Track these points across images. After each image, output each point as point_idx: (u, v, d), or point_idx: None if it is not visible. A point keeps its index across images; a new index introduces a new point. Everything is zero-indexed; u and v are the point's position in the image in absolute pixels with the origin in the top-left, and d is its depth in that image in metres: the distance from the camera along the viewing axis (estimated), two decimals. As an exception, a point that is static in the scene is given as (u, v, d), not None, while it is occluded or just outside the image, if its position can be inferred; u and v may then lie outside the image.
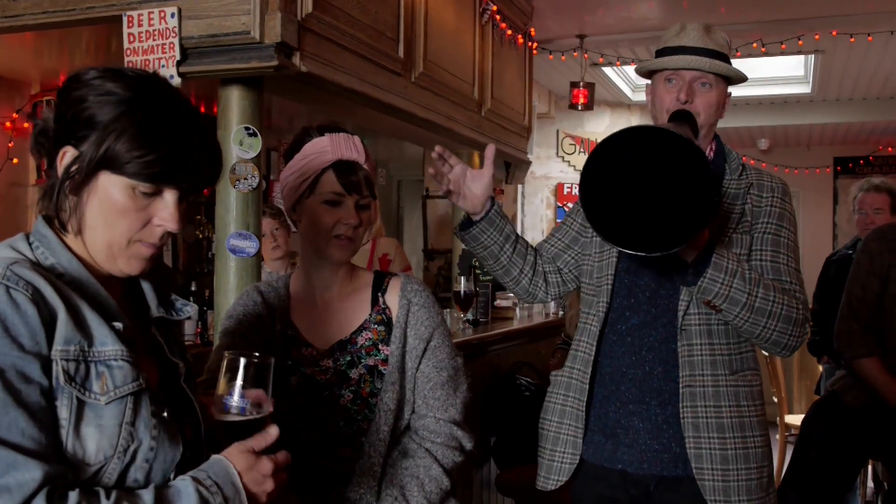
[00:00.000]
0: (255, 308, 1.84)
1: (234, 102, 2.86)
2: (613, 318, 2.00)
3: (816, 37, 5.75)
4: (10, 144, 5.09)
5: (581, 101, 6.22)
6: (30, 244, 1.18)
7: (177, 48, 2.79)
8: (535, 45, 5.54)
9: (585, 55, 6.05)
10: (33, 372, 1.06)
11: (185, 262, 6.06)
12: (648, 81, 2.06)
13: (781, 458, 4.79)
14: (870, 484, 4.34)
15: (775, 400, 5.16)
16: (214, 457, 1.20)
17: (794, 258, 1.97)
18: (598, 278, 2.04)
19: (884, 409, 3.08)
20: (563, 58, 6.15)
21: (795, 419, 4.95)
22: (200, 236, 6.04)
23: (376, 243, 4.37)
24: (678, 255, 1.80)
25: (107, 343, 1.13)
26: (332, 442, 1.74)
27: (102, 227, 1.17)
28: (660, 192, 1.65)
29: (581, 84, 6.20)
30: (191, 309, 1.35)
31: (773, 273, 1.93)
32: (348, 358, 1.78)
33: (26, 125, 5.15)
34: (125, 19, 2.86)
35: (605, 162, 1.69)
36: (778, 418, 5.10)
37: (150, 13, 2.82)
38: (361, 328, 1.81)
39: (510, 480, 3.34)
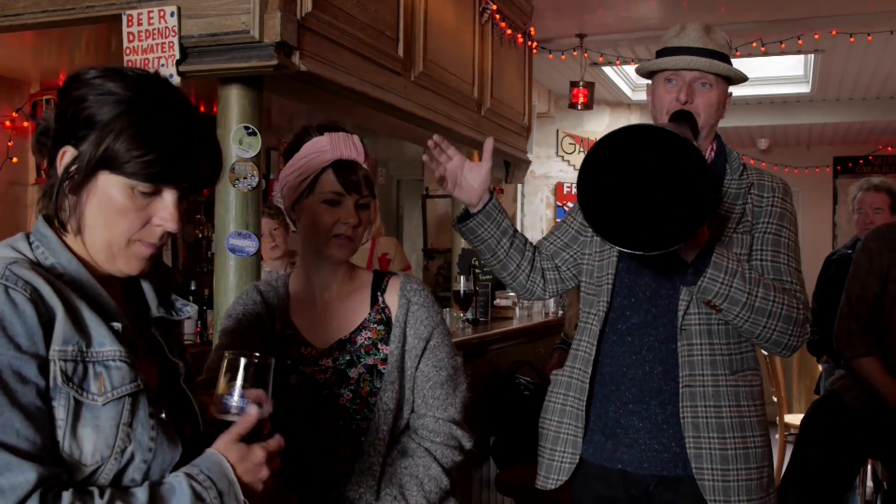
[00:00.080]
0: (254, 307, 1.84)
1: (234, 101, 2.86)
2: (614, 318, 2.00)
3: (816, 36, 5.75)
4: (9, 143, 5.09)
5: (581, 100, 6.22)
6: (30, 244, 1.18)
7: (176, 47, 2.79)
8: (534, 44, 5.54)
9: (585, 55, 6.05)
10: (30, 372, 1.06)
11: (185, 261, 6.05)
12: (649, 81, 2.06)
13: (781, 458, 4.79)
14: (869, 483, 4.34)
15: (775, 399, 5.17)
16: (207, 451, 1.19)
17: (795, 258, 1.97)
18: (598, 278, 2.04)
19: (883, 409, 3.08)
20: (562, 57, 6.15)
21: (795, 419, 4.96)
22: (200, 235, 6.04)
23: (376, 243, 4.37)
24: (678, 254, 1.80)
25: (105, 343, 1.13)
26: (332, 441, 1.74)
27: (102, 227, 1.17)
28: (658, 190, 1.65)
29: (581, 83, 6.20)
30: (191, 309, 1.35)
31: (773, 273, 1.93)
32: (348, 357, 1.78)
33: (26, 124, 5.15)
34: (125, 18, 2.86)
35: (603, 160, 1.69)
36: (777, 418, 5.10)
37: (149, 12, 2.82)
38: (361, 327, 1.81)
39: (509, 480, 3.34)
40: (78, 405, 1.09)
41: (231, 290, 2.84)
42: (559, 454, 2.03)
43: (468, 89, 4.45)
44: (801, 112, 8.22)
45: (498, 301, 4.68)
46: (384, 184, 8.23)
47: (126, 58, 2.85)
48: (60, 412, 1.08)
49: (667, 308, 1.95)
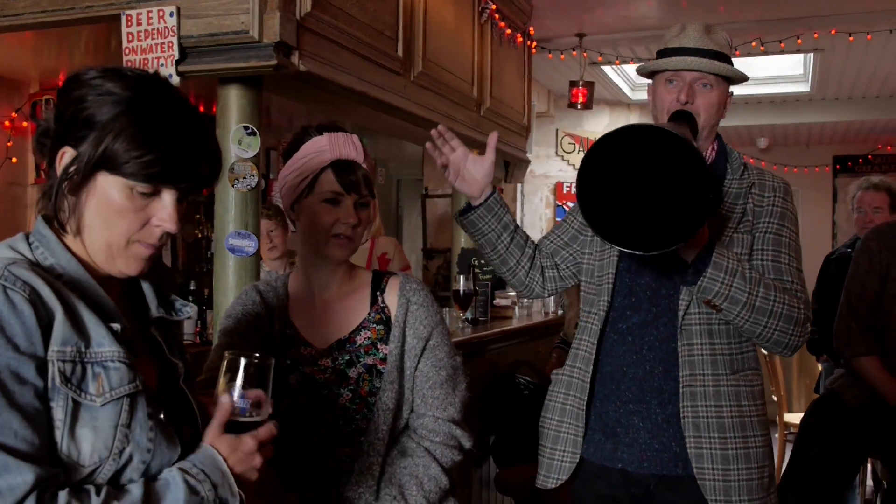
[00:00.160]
0: (253, 307, 1.84)
1: (233, 101, 2.86)
2: (614, 317, 2.00)
3: (815, 35, 5.75)
4: (9, 143, 5.09)
5: (580, 100, 6.22)
6: (29, 244, 1.18)
7: (176, 47, 2.79)
8: (534, 43, 5.54)
9: (584, 54, 6.05)
10: (28, 373, 1.06)
11: (185, 261, 6.06)
12: (650, 81, 2.06)
13: (781, 457, 4.79)
14: (869, 482, 4.34)
15: (774, 398, 5.17)
16: (199, 446, 1.20)
17: (796, 258, 1.97)
18: (598, 277, 2.04)
19: (883, 408, 3.08)
20: (562, 57, 6.15)
21: (795, 418, 4.96)
22: (199, 235, 6.04)
23: (375, 242, 4.37)
24: (678, 254, 1.80)
25: (104, 344, 1.13)
26: (331, 441, 1.74)
27: (101, 228, 1.17)
28: (657, 190, 1.65)
29: (580, 83, 6.20)
30: (190, 309, 1.35)
31: (774, 273, 1.93)
32: (347, 357, 1.78)
33: (25, 124, 5.16)
34: (124, 18, 2.86)
35: (602, 159, 1.69)
36: (777, 417, 5.10)
37: (148, 12, 2.82)
38: (360, 327, 1.81)
39: (509, 479, 3.34)
40: (76, 406, 1.09)
41: (230, 290, 2.84)
42: (559, 453, 2.03)
43: (467, 89, 4.45)
44: (800, 111, 8.22)
45: (497, 301, 4.67)
46: (383, 183, 8.23)
47: (125, 58, 2.85)
48: (59, 413, 1.08)
49: (667, 307, 1.95)
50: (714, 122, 1.99)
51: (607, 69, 7.06)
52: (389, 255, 4.37)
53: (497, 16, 4.74)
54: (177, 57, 2.79)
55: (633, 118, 8.19)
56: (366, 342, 1.79)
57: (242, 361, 1.24)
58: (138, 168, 1.13)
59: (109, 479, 1.11)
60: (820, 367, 4.86)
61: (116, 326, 1.15)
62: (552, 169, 8.24)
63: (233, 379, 1.24)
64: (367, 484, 1.70)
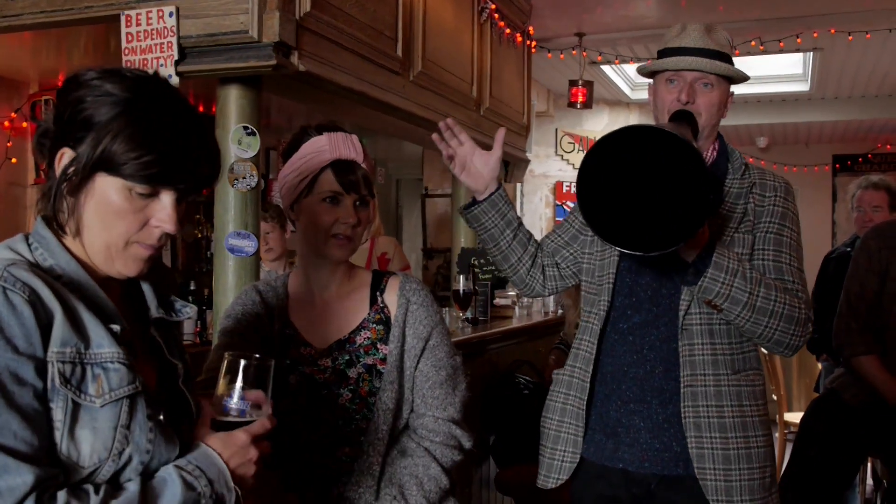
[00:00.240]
0: (253, 307, 1.84)
1: (233, 101, 2.86)
2: (615, 317, 2.00)
3: (815, 35, 5.76)
4: (8, 144, 5.09)
5: (580, 99, 6.22)
6: (29, 245, 1.18)
7: (175, 47, 2.78)
8: (533, 43, 5.54)
9: (584, 53, 6.05)
10: (27, 374, 1.06)
11: (184, 261, 6.06)
12: (650, 81, 2.07)
13: (781, 456, 4.79)
14: (869, 481, 4.34)
15: (774, 398, 5.17)
16: (195, 445, 1.21)
17: (797, 258, 1.97)
18: (599, 277, 2.04)
19: (882, 407, 3.08)
20: (561, 56, 6.15)
21: (794, 417, 4.96)
22: (199, 235, 6.04)
23: (375, 242, 4.37)
24: (679, 254, 1.80)
25: (103, 345, 1.13)
26: (331, 441, 1.74)
27: (100, 229, 1.17)
28: (657, 191, 1.65)
29: (580, 82, 6.20)
30: (190, 310, 1.35)
31: (775, 273, 1.93)
32: (347, 357, 1.78)
33: (24, 125, 5.16)
34: (123, 19, 2.86)
35: (602, 160, 1.69)
36: (777, 416, 5.10)
37: (148, 12, 2.81)
38: (360, 327, 1.81)
39: (509, 479, 3.34)
40: (76, 407, 1.09)
41: (230, 290, 2.84)
42: (560, 453, 2.03)
43: (467, 89, 4.45)
44: (800, 110, 8.22)
45: (497, 300, 4.67)
46: (383, 183, 8.24)
47: (125, 58, 2.85)
48: (58, 414, 1.08)
49: (668, 307, 1.95)
50: (715, 122, 1.99)
51: (607, 69, 7.06)
52: (389, 255, 4.37)
53: (496, 15, 4.74)
54: (176, 57, 2.79)
55: (633, 117, 8.19)
56: (365, 342, 1.79)
57: (242, 363, 1.24)
58: (136, 169, 1.13)
59: (108, 480, 1.11)
60: (820, 366, 4.86)
61: (116, 327, 1.15)
62: (552, 168, 8.24)
63: (233, 380, 1.24)
64: (367, 484, 1.70)
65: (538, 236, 2.22)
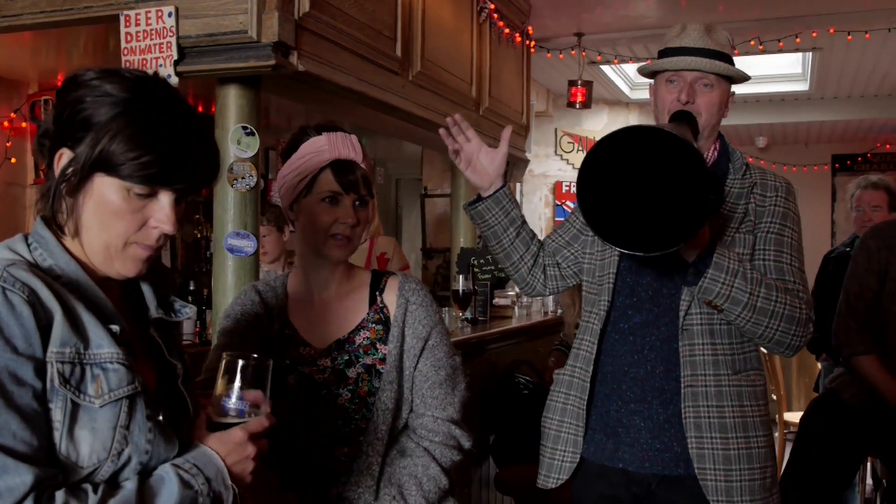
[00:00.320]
0: (252, 307, 1.84)
1: (232, 101, 2.86)
2: (615, 317, 2.00)
3: (814, 34, 5.76)
4: (7, 144, 5.09)
5: (579, 99, 6.22)
6: (28, 245, 1.18)
7: (174, 47, 2.78)
8: (532, 43, 5.54)
9: (583, 53, 6.05)
10: (26, 374, 1.06)
11: (184, 261, 6.06)
12: (651, 81, 2.07)
13: (780, 456, 4.79)
14: (868, 481, 4.35)
15: (774, 397, 5.17)
16: (192, 444, 1.21)
17: (798, 258, 1.97)
18: (599, 276, 2.04)
19: (882, 407, 3.08)
20: (560, 56, 6.15)
21: (794, 416, 4.96)
22: (199, 235, 6.04)
23: (374, 242, 4.37)
24: (679, 254, 1.80)
25: (103, 346, 1.13)
26: (331, 441, 1.74)
27: (98, 229, 1.17)
28: (658, 191, 1.65)
29: (579, 82, 6.20)
30: (189, 310, 1.35)
31: (776, 273, 1.93)
32: (346, 357, 1.78)
33: (24, 125, 5.16)
34: (122, 19, 2.86)
35: (603, 160, 1.69)
36: (777, 416, 5.11)
37: (147, 12, 2.81)
38: (359, 327, 1.81)
39: (509, 479, 3.34)
40: (75, 407, 1.09)
41: (229, 290, 2.84)
42: (560, 453, 2.03)
43: (466, 89, 4.45)
44: (799, 110, 8.22)
45: (497, 300, 4.67)
46: (383, 183, 8.24)
47: (124, 58, 2.85)
48: (57, 414, 1.08)
49: (669, 307, 1.95)
50: (715, 122, 1.99)
51: (606, 68, 7.06)
52: (388, 255, 4.36)
53: (496, 15, 4.74)
54: (175, 57, 2.79)
55: (632, 117, 8.20)
56: (365, 342, 1.79)
57: (240, 363, 1.24)
58: (135, 169, 1.13)
59: (107, 480, 1.11)
60: (819, 365, 4.86)
61: (115, 328, 1.15)
62: (551, 168, 8.25)
63: (231, 380, 1.24)
64: (367, 484, 1.69)
65: (541, 236, 2.22)
